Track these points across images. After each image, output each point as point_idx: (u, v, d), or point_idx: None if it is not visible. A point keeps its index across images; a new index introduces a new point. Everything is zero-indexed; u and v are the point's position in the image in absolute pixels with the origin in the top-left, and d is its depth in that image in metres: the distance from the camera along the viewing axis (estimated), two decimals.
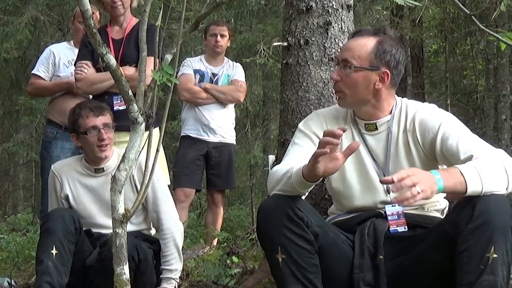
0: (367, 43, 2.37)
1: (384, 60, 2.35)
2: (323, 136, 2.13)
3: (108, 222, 2.68)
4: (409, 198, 1.99)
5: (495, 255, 2.05)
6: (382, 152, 2.43)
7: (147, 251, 2.96)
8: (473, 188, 2.09)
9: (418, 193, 2.00)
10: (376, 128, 2.45)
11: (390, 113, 2.43)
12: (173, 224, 3.12)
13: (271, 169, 2.46)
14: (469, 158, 2.20)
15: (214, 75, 4.91)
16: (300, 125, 2.55)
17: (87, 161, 3.20)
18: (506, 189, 2.14)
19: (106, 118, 3.15)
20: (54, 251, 2.84)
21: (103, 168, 3.16)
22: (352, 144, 2.17)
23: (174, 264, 3.08)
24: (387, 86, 2.39)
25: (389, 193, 2.40)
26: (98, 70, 3.77)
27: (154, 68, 2.12)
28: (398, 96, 2.50)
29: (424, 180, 2.03)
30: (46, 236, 2.90)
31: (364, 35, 2.40)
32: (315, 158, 2.11)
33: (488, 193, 2.10)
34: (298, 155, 2.42)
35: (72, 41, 4.81)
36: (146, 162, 2.16)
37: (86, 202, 3.14)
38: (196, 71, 4.90)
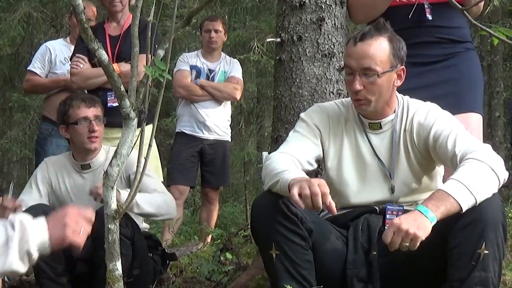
0: (383, 46, 2.31)
1: (399, 57, 2.34)
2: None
3: None
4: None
5: (486, 251, 2.04)
6: (386, 151, 2.41)
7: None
8: (467, 204, 2.03)
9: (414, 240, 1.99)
10: (380, 127, 2.42)
11: (394, 111, 2.42)
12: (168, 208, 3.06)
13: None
14: (457, 156, 2.19)
15: (210, 71, 4.87)
16: (303, 116, 2.50)
17: (74, 156, 3.16)
18: (498, 187, 2.11)
19: (97, 111, 3.13)
20: None
21: (89, 164, 3.12)
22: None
23: (144, 204, 2.92)
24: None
25: (393, 192, 2.39)
26: (94, 65, 3.76)
27: (147, 64, 2.11)
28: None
29: (414, 225, 1.98)
30: None
31: (374, 37, 2.31)
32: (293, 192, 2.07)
33: (483, 199, 2.05)
34: (298, 144, 2.41)
35: (68, 38, 4.78)
36: (138, 158, 2.15)
37: (68, 203, 3.08)
38: (192, 67, 4.86)
